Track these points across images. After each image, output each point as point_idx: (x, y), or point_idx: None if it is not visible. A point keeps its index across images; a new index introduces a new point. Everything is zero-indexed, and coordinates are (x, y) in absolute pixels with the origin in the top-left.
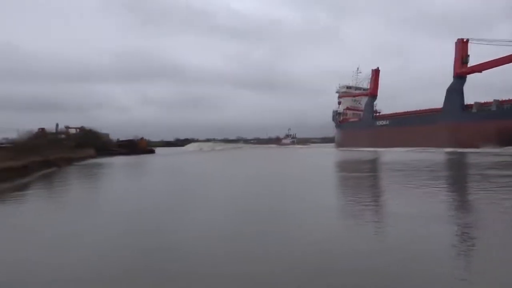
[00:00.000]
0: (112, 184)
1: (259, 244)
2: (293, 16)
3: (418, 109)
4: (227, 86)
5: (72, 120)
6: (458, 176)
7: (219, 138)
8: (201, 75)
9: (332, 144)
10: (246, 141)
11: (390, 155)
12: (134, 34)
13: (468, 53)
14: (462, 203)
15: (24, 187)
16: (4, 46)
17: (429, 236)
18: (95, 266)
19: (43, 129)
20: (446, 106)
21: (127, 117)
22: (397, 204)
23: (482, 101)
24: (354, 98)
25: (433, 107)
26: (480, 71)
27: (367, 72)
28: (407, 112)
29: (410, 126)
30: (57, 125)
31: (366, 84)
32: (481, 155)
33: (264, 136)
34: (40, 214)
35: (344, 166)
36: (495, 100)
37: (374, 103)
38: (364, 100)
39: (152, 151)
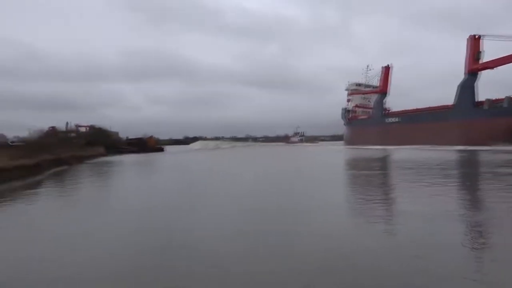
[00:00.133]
0: (122, 182)
1: (267, 243)
2: (303, 14)
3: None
4: (236, 85)
5: (82, 119)
6: (469, 174)
7: (228, 136)
8: (210, 74)
9: (341, 142)
10: (255, 139)
11: (400, 153)
12: (144, 34)
13: (481, 50)
14: (473, 202)
15: (36, 185)
16: (17, 45)
17: (439, 234)
18: (106, 265)
19: (53, 127)
20: (457, 103)
21: (137, 115)
22: (407, 202)
23: (495, 98)
24: (363, 96)
25: (444, 104)
26: (493, 68)
27: (377, 70)
28: (418, 109)
29: (421, 123)
30: (67, 123)
31: (376, 82)
32: (492, 153)
33: (272, 134)
34: (51, 212)
35: (353, 164)
36: (506, 97)
37: (384, 100)
38: (374, 97)
39: (161, 149)
